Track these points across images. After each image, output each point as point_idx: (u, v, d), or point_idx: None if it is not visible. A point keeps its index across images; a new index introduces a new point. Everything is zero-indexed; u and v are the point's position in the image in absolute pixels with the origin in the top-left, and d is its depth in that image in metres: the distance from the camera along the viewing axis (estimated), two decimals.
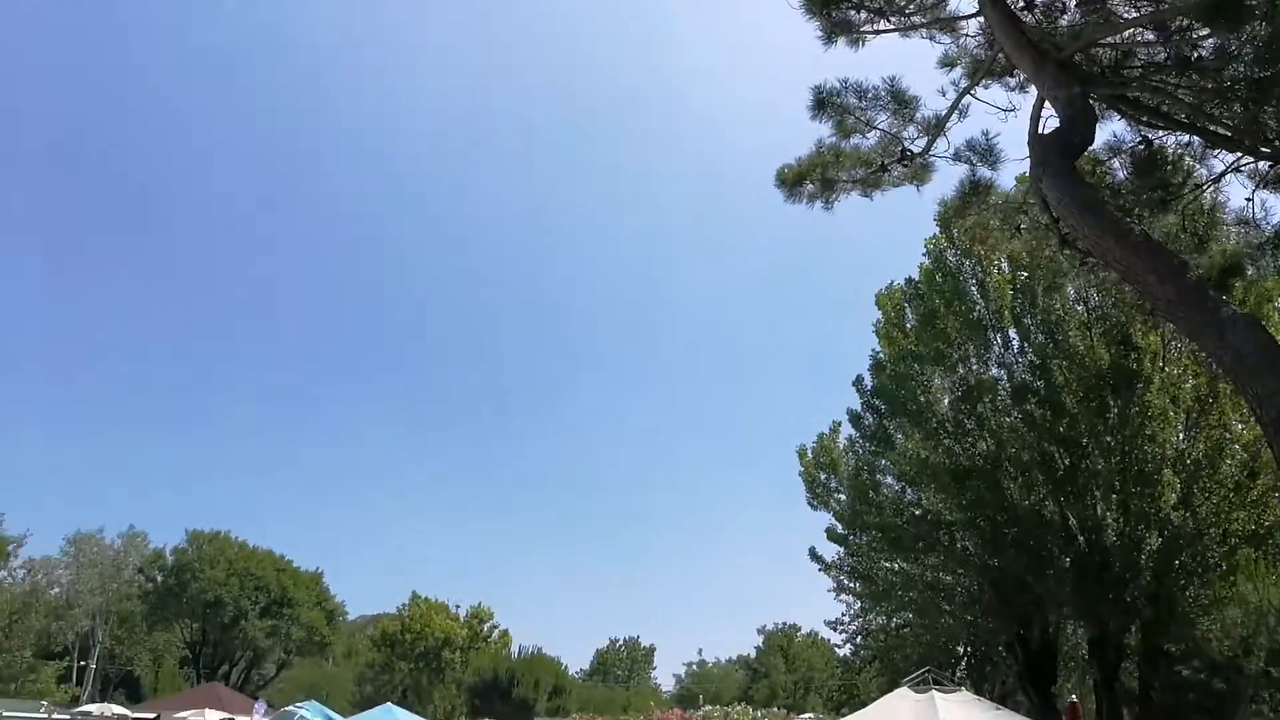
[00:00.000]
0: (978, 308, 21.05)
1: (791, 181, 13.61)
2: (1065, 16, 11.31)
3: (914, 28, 12.56)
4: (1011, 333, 20.81)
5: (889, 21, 12.42)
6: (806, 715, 40.82)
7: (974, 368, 21.69)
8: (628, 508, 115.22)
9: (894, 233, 77.14)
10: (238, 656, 63.89)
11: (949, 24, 12.55)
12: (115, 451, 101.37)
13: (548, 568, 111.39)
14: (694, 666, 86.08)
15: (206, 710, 34.65)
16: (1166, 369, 18.90)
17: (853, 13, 12.10)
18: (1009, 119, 12.18)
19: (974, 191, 13.20)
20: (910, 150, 12.83)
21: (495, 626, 67.48)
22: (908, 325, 23.85)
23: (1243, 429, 18.81)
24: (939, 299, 22.05)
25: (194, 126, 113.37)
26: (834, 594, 31.18)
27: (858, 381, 25.34)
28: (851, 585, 27.23)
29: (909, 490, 21.96)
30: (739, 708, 30.62)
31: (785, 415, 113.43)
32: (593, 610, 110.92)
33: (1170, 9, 8.89)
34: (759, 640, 79.30)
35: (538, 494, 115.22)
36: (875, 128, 12.85)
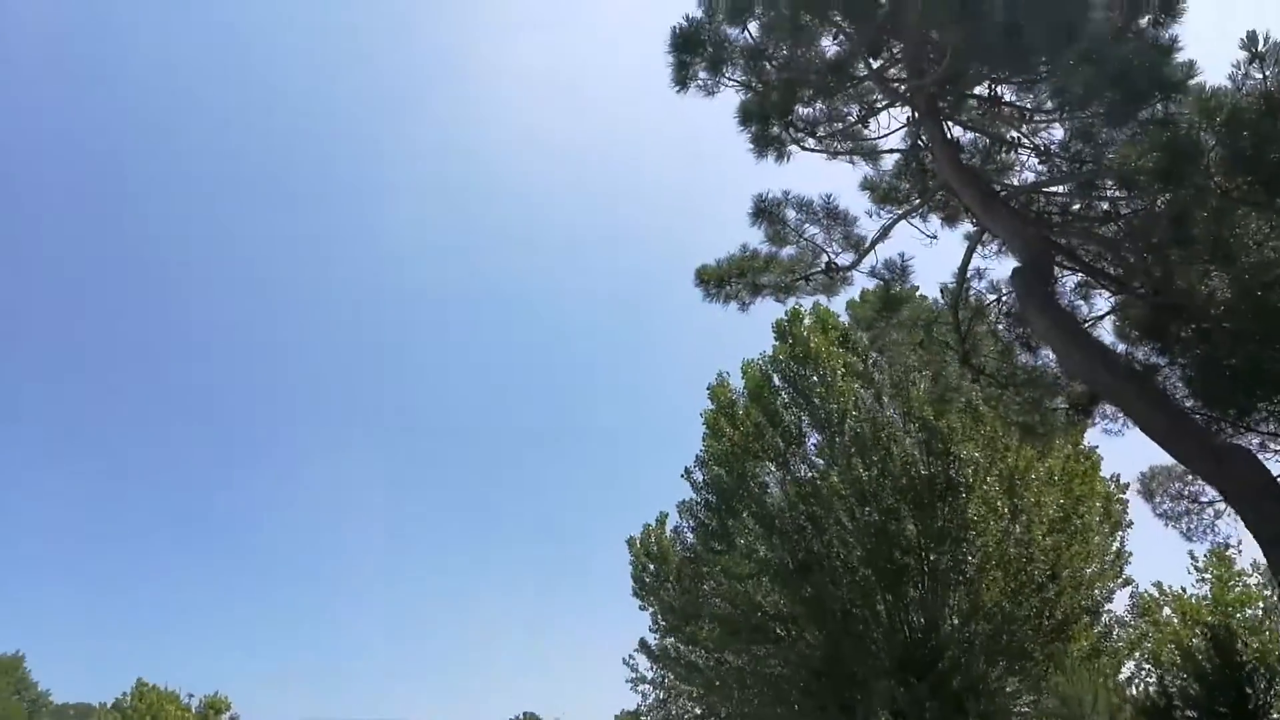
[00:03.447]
0: (820, 411, 22.50)
1: (713, 281, 14.01)
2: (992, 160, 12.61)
3: (839, 153, 13.45)
4: (848, 438, 22.29)
5: (814, 143, 13.27)
6: None
7: (805, 470, 23.03)
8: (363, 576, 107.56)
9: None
10: None
11: (871, 154, 13.52)
12: None
13: (287, 646, 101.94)
14: None
15: None
16: (987, 481, 20.96)
17: (782, 130, 12.83)
18: (930, 243, 13.29)
19: (886, 306, 14.18)
20: (836, 264, 13.60)
21: (235, 718, 62.12)
22: (738, 418, 24.77)
23: (1045, 538, 21.15)
24: (776, 399, 23.47)
25: None
26: (632, 685, 31.74)
27: (687, 473, 26.16)
28: (683, 677, 27.42)
29: (746, 583, 22.63)
30: None
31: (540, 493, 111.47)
32: (331, 689, 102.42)
33: (1108, 170, 10.07)
34: None
35: (271, 567, 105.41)
36: (806, 239, 13.52)
